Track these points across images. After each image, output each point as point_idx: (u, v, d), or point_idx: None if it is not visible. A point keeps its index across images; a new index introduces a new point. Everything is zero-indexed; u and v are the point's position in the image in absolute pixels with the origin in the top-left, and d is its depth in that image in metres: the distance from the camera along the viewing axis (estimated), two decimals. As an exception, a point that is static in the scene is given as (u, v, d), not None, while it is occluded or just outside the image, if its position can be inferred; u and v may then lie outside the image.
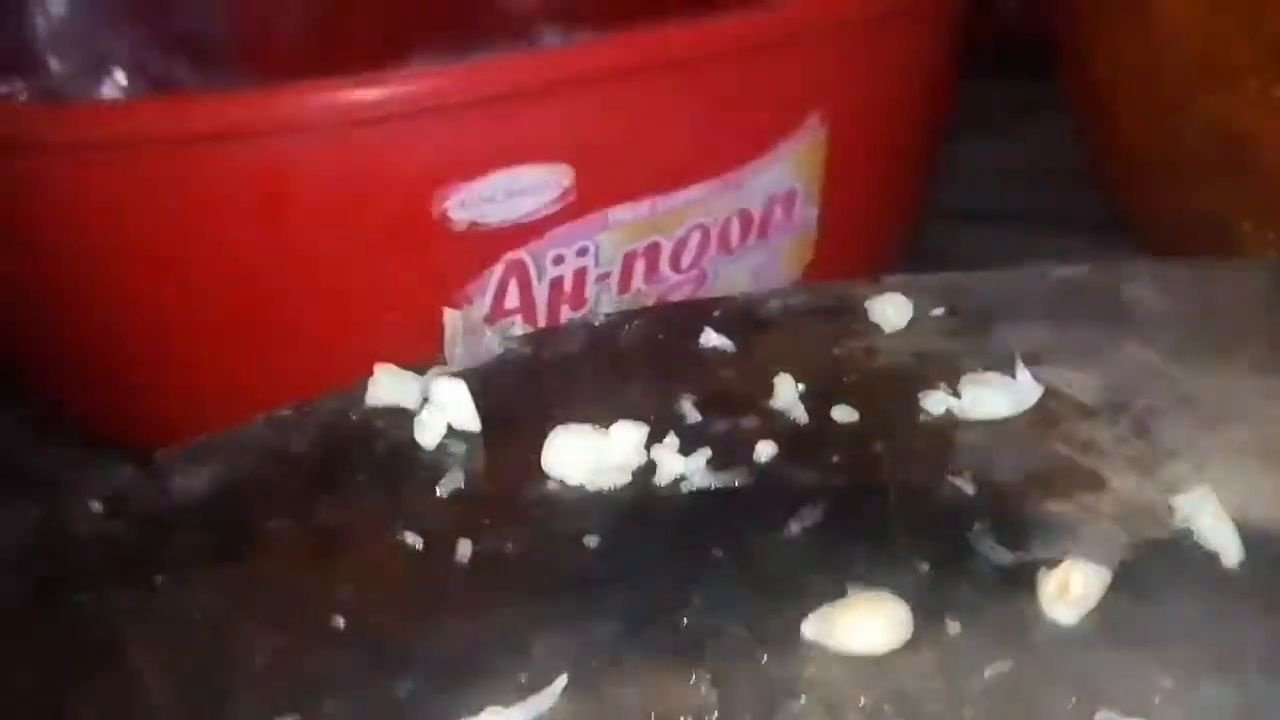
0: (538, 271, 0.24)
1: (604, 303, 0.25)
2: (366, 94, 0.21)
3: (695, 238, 0.25)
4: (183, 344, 0.23)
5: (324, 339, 0.23)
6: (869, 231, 0.28)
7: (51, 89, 0.27)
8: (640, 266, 0.25)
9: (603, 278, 0.25)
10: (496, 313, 0.24)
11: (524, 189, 0.23)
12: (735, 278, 0.26)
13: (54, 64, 0.28)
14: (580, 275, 0.25)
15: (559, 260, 0.24)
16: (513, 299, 0.24)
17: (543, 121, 0.23)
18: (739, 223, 0.26)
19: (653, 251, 0.25)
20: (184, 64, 0.28)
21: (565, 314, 0.25)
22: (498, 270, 0.24)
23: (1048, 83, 0.33)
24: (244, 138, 0.21)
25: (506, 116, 0.22)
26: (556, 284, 0.24)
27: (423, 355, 0.22)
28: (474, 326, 0.19)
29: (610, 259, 0.25)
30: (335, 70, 0.22)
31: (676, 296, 0.26)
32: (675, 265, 0.25)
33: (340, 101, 0.21)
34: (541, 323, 0.25)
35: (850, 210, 0.27)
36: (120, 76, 0.28)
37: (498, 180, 0.23)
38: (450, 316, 0.19)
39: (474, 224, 0.23)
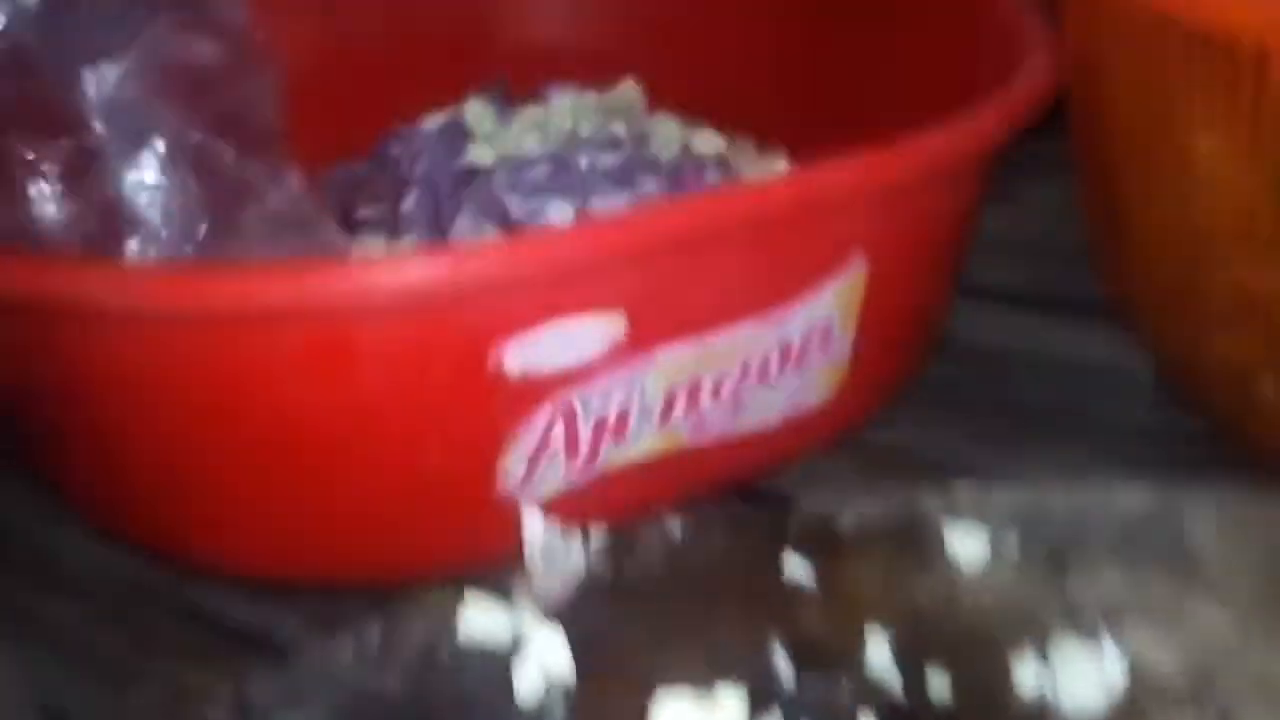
0: (585, 411, 0.24)
1: (644, 434, 0.25)
2: (432, 269, 0.20)
3: (736, 371, 0.25)
4: (237, 486, 0.23)
5: (376, 481, 0.23)
6: (900, 349, 0.29)
7: (93, 149, 0.26)
8: (682, 400, 0.25)
9: (645, 412, 0.25)
10: (542, 450, 0.24)
11: (577, 339, 0.23)
12: (769, 403, 0.27)
13: (98, 127, 0.26)
14: (624, 411, 0.24)
15: (605, 399, 0.24)
16: (558, 437, 0.24)
17: (598, 280, 0.22)
18: (778, 355, 0.26)
19: (695, 386, 0.25)
20: (227, 141, 0.27)
21: (607, 446, 0.25)
22: (546, 411, 0.23)
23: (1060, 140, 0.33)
24: (311, 311, 0.20)
25: (563, 279, 0.22)
26: (601, 421, 0.24)
27: (471, 494, 0.22)
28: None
29: (654, 395, 0.25)
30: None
31: (713, 426, 0.26)
32: (715, 396, 0.25)
33: (408, 277, 0.20)
34: (584, 457, 0.25)
35: (883, 333, 0.27)
36: (160, 145, 0.27)
37: (552, 333, 0.22)
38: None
39: (528, 373, 0.23)
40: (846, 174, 0.23)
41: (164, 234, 0.28)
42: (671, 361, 0.24)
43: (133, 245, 0.28)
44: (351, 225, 0.39)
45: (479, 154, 0.35)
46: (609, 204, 0.32)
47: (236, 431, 0.22)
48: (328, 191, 0.42)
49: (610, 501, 0.26)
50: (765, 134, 0.41)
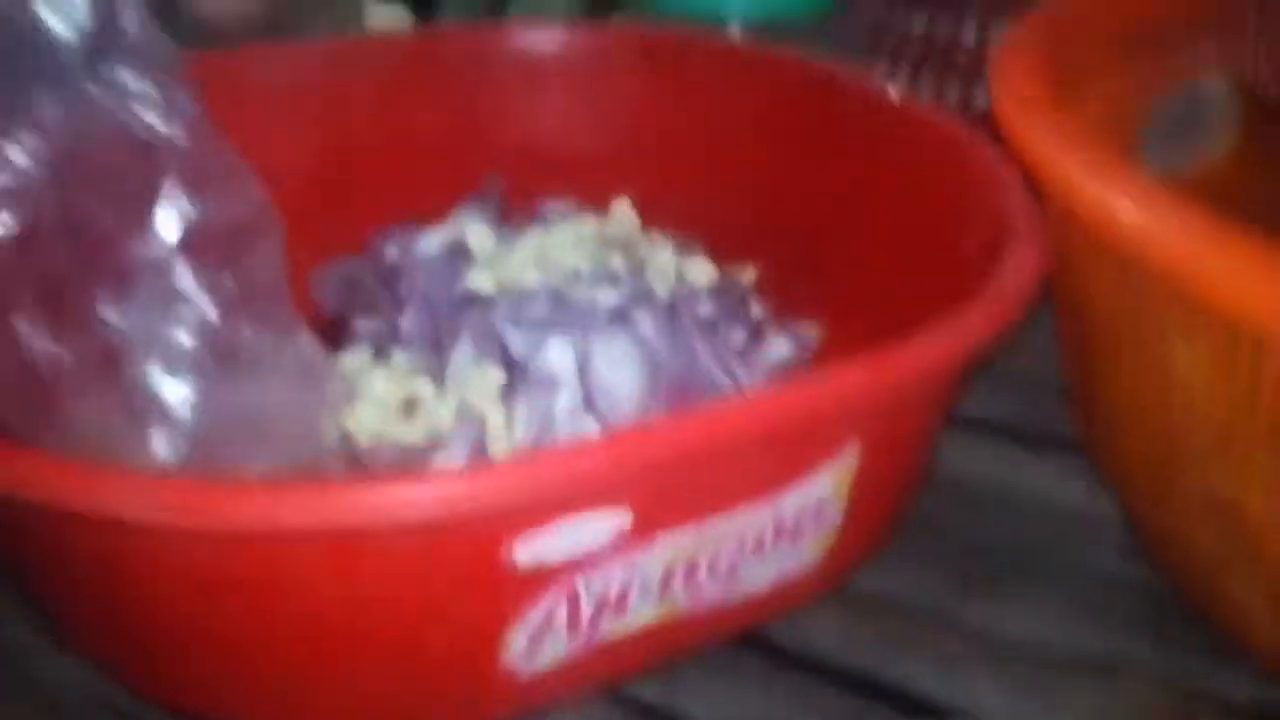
0: (587, 592, 0.25)
1: (643, 608, 0.26)
2: (449, 490, 0.21)
3: (732, 548, 0.26)
4: (253, 662, 0.23)
5: (384, 660, 0.24)
6: (890, 509, 0.30)
7: (118, 346, 0.27)
8: (680, 575, 0.26)
9: (645, 588, 0.26)
10: (545, 628, 0.25)
11: (584, 532, 0.24)
12: (762, 571, 0.28)
13: (123, 325, 0.27)
14: (625, 590, 0.25)
15: (607, 580, 0.25)
16: (561, 616, 0.25)
17: (610, 483, 0.23)
18: (773, 531, 0.27)
19: (693, 563, 0.26)
20: (243, 312, 0.28)
21: (607, 620, 0.26)
22: (552, 595, 0.24)
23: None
24: (331, 531, 0.20)
25: (575, 488, 0.22)
26: (603, 599, 0.25)
27: (473, 667, 0.22)
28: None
29: (654, 573, 0.25)
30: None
31: (708, 595, 0.27)
32: (711, 570, 0.26)
33: (424, 498, 0.21)
34: (584, 632, 0.25)
35: (874, 500, 0.28)
36: (184, 337, 0.28)
37: (562, 528, 0.23)
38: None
39: (536, 564, 0.23)
40: (849, 382, 0.24)
41: (187, 423, 0.28)
42: (672, 545, 0.25)
43: (158, 438, 0.28)
44: (346, 331, 0.40)
45: (478, 280, 0.36)
46: (607, 344, 0.33)
47: (255, 619, 0.22)
48: (324, 288, 0.42)
49: (605, 664, 0.27)
50: (748, 246, 0.43)
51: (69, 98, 0.29)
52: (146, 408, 0.28)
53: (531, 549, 0.23)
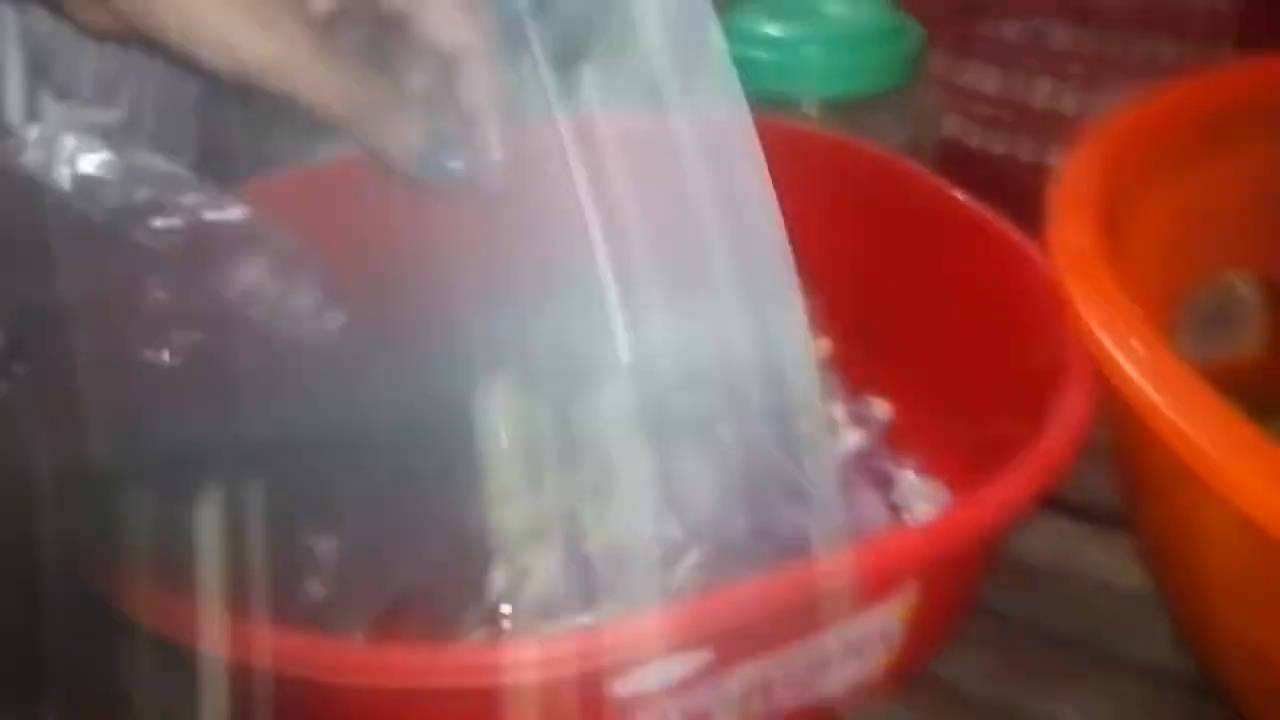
0: (676, 711, 0.28)
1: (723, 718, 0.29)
2: (564, 651, 0.24)
3: (802, 668, 0.29)
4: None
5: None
6: (951, 621, 0.32)
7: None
8: (758, 693, 0.29)
9: (726, 705, 0.29)
10: (637, 744, 0.28)
11: (672, 669, 0.27)
12: (832, 682, 0.30)
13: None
14: (707, 709, 0.29)
15: (692, 703, 0.28)
16: (653, 733, 0.28)
17: (694, 638, 0.26)
18: (840, 652, 0.30)
19: (768, 683, 0.29)
20: None
21: (692, 734, 0.29)
22: (644, 715, 0.28)
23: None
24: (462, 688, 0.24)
25: (665, 643, 0.26)
26: (689, 715, 0.28)
27: None
28: None
29: (733, 693, 0.29)
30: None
31: (782, 703, 0.30)
32: (785, 686, 0.29)
33: (545, 657, 0.24)
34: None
35: (932, 623, 0.31)
36: None
37: (654, 667, 0.26)
38: None
39: (632, 695, 0.27)
40: (907, 547, 0.26)
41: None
42: (748, 672, 0.28)
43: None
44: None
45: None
46: (688, 451, 0.36)
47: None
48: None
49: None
50: (822, 324, 0.45)
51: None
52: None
53: (628, 684, 0.26)
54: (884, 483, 0.39)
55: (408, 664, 0.24)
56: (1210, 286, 0.28)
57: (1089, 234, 0.29)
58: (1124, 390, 0.25)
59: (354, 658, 0.24)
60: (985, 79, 0.55)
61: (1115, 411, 0.29)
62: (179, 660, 0.26)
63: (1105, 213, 0.30)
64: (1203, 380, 0.24)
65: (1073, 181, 0.31)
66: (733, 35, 0.49)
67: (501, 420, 0.40)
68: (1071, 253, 0.29)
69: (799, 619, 0.28)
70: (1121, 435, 0.29)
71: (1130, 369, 0.25)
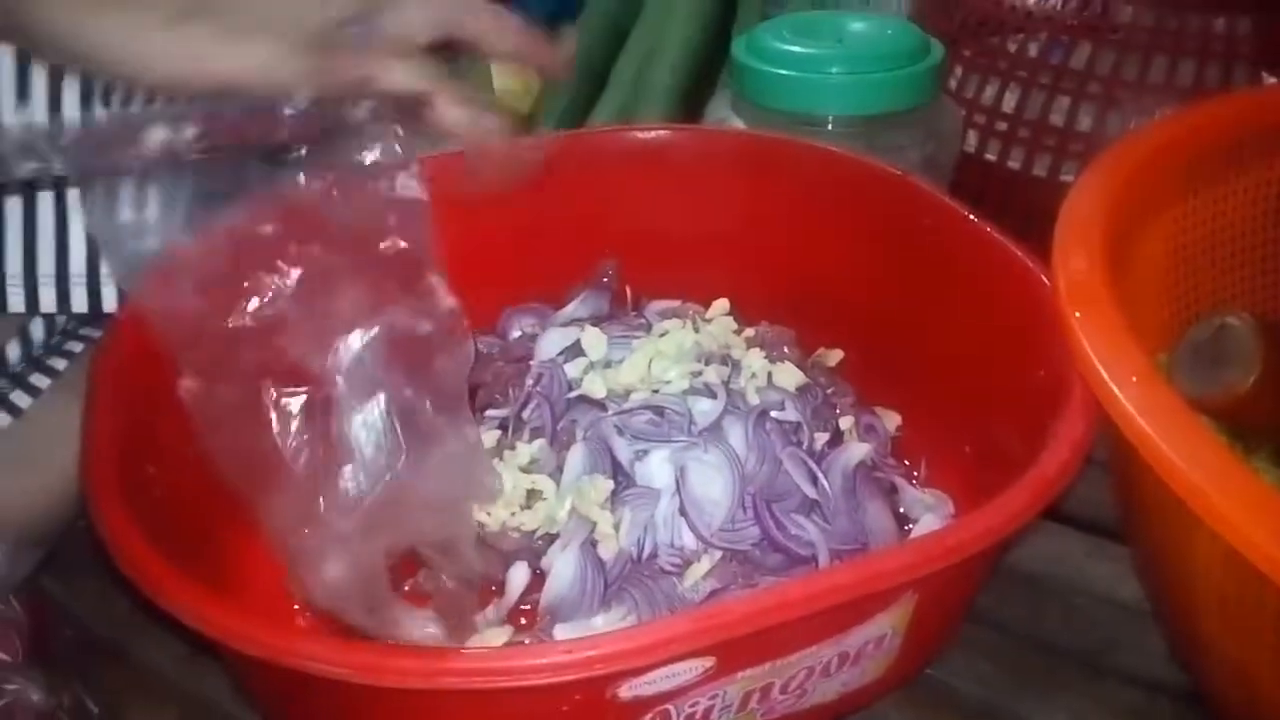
0: (678, 714, 0.28)
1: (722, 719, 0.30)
2: (570, 658, 0.24)
3: (801, 675, 0.29)
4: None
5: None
6: (947, 629, 0.32)
7: (331, 398, 0.32)
8: (756, 696, 0.29)
9: (725, 708, 0.29)
10: (643, 742, 0.29)
11: (676, 675, 0.27)
12: (829, 688, 0.31)
13: (340, 382, 0.32)
14: (709, 710, 0.29)
15: (694, 705, 0.28)
16: (655, 730, 0.29)
17: (696, 648, 0.26)
18: (838, 659, 0.30)
19: (768, 688, 0.29)
20: (428, 398, 0.33)
21: (694, 733, 0.29)
22: (648, 716, 0.28)
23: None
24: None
25: (668, 652, 0.26)
26: (690, 717, 0.29)
27: None
28: None
29: (733, 697, 0.29)
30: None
31: (781, 707, 0.30)
32: (783, 691, 0.30)
33: (553, 664, 0.24)
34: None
35: (931, 627, 0.31)
36: (382, 401, 0.33)
37: (658, 673, 0.27)
38: None
39: (636, 697, 0.27)
40: (905, 563, 0.26)
41: (373, 465, 0.33)
42: (749, 677, 0.28)
43: (347, 471, 0.33)
44: (475, 400, 0.44)
45: (591, 385, 0.40)
46: (701, 457, 0.37)
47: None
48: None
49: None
50: (835, 334, 0.45)
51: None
52: (343, 453, 0.33)
53: (632, 689, 0.27)
54: (890, 492, 0.39)
55: (423, 667, 0.24)
56: (1206, 323, 0.28)
57: (1092, 264, 0.29)
58: (1119, 421, 0.25)
59: (374, 660, 0.25)
60: (1004, 96, 0.54)
61: (1112, 436, 0.29)
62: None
63: (1110, 242, 0.30)
64: (1194, 414, 0.24)
65: (1079, 211, 0.31)
66: (758, 53, 0.50)
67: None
68: (1074, 283, 0.28)
69: (799, 630, 0.28)
70: (1117, 460, 0.29)
71: (1125, 401, 0.25)
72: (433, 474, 0.34)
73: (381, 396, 0.33)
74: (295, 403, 0.33)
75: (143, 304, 0.32)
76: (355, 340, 0.33)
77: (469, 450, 0.35)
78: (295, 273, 0.33)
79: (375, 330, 0.33)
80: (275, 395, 0.32)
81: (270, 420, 0.32)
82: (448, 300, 0.34)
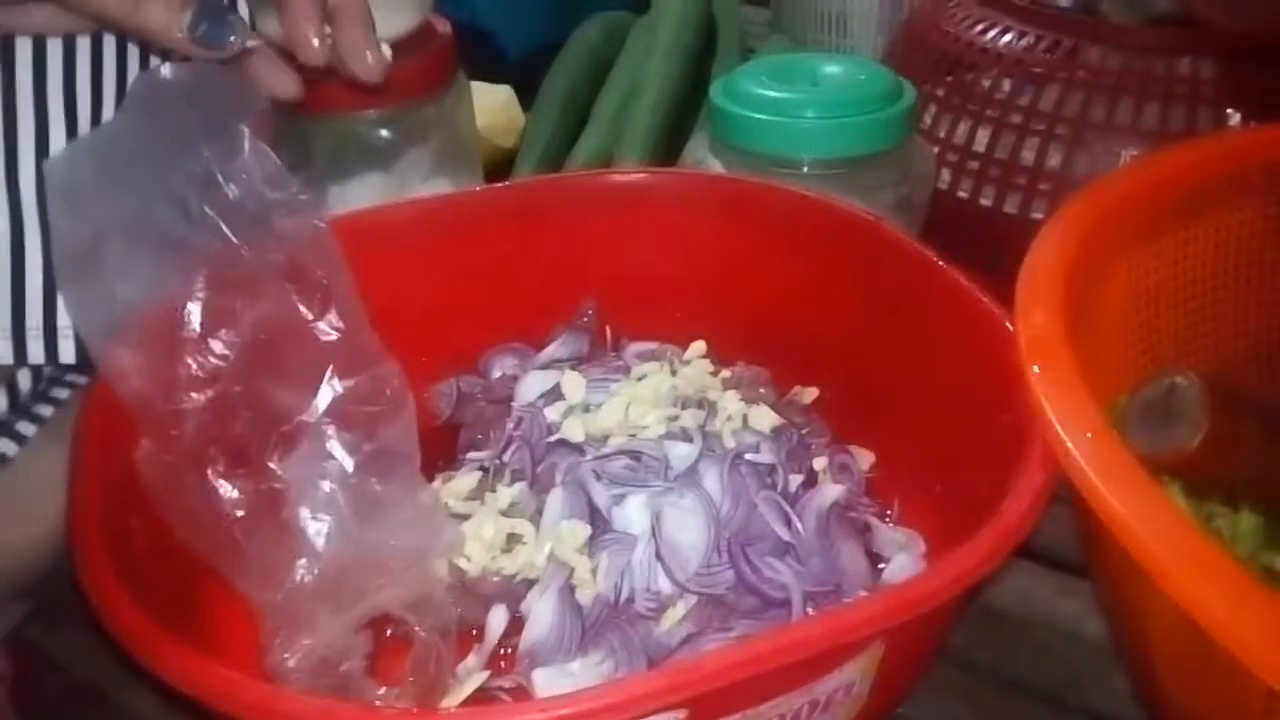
0: (651, 762, 0.29)
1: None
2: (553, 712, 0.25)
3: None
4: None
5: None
6: (914, 674, 0.33)
7: (278, 490, 0.33)
8: (729, 744, 0.30)
9: (699, 757, 0.30)
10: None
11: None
12: (800, 733, 0.31)
13: (283, 475, 0.33)
14: (682, 758, 0.29)
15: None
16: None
17: (669, 702, 0.27)
18: (808, 707, 0.30)
19: (741, 736, 0.30)
20: (377, 468, 0.34)
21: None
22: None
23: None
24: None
25: (643, 707, 0.26)
26: (666, 767, 0.29)
27: None
28: None
29: (706, 745, 0.29)
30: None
31: (754, 756, 0.31)
32: (756, 738, 0.30)
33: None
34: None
35: (895, 673, 0.32)
36: (327, 486, 0.33)
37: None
38: None
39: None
40: (872, 614, 0.27)
41: (327, 549, 0.33)
42: (722, 726, 0.29)
43: (301, 563, 0.33)
44: (457, 438, 0.45)
45: (569, 429, 0.40)
46: (676, 502, 0.37)
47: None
48: (440, 400, 0.47)
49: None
50: (810, 373, 0.46)
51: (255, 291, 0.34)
52: (296, 540, 0.34)
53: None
54: (864, 531, 0.40)
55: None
56: (1157, 383, 0.29)
57: (1052, 318, 0.30)
58: (1073, 477, 0.26)
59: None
60: (976, 135, 0.55)
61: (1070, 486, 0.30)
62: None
63: (1072, 291, 0.31)
64: (1147, 474, 0.24)
65: (1041, 263, 0.32)
66: (733, 97, 0.51)
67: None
68: (1033, 337, 0.29)
69: (770, 682, 0.28)
70: (1076, 509, 0.30)
71: (1081, 460, 0.25)
72: (390, 541, 0.34)
73: (327, 483, 0.34)
74: (242, 488, 0.33)
75: (101, 363, 0.33)
76: (297, 427, 0.34)
77: (424, 513, 0.35)
78: (232, 346, 0.33)
79: (318, 412, 0.34)
80: (222, 477, 0.33)
81: (218, 502, 0.33)
82: (386, 364, 0.35)
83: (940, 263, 0.40)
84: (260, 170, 0.33)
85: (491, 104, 0.70)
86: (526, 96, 0.72)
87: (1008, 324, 0.36)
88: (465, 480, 0.42)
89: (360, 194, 0.52)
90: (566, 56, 0.75)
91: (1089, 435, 0.26)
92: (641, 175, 0.49)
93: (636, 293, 0.48)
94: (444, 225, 0.47)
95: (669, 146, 0.64)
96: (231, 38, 0.31)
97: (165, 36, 0.31)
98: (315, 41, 0.33)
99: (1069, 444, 0.26)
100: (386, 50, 0.36)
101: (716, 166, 0.51)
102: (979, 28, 0.57)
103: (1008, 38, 0.56)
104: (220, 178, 0.33)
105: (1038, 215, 0.53)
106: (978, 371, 0.38)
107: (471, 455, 0.43)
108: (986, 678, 0.37)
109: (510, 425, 0.42)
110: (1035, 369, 0.28)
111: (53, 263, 0.34)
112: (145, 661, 0.27)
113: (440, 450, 0.44)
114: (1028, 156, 0.54)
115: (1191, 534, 0.23)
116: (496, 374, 0.47)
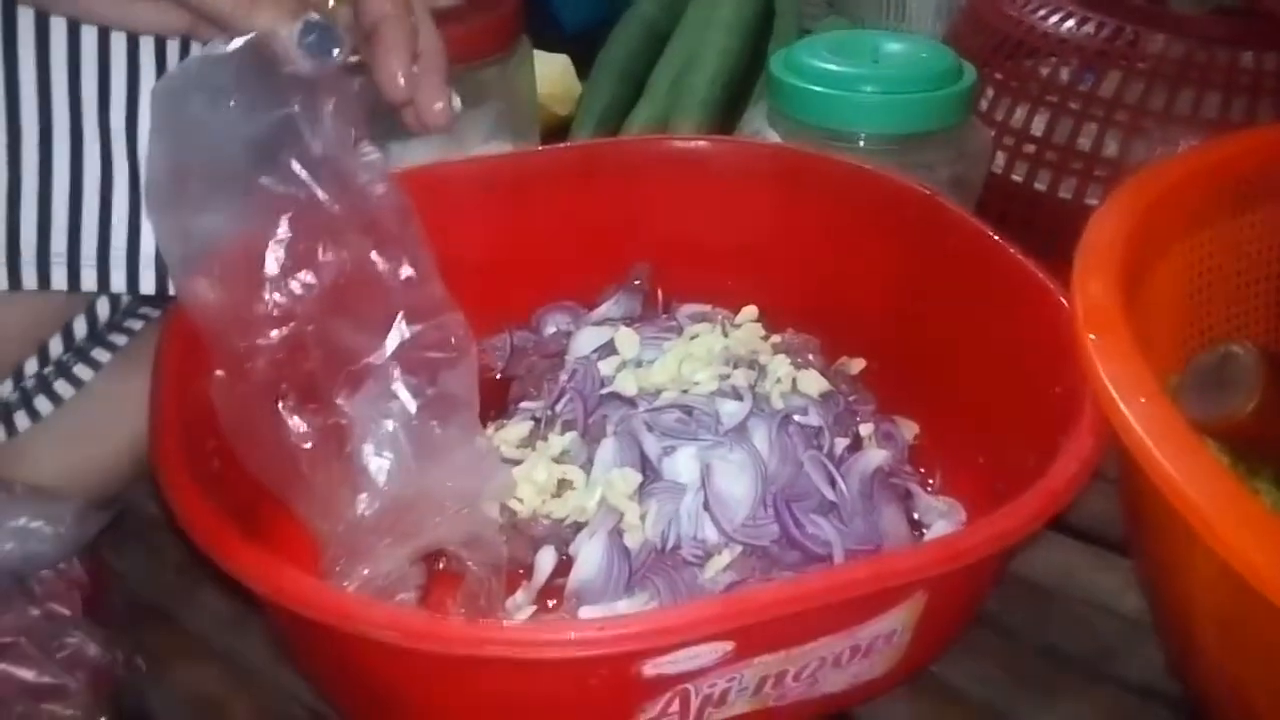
0: (696, 693, 0.30)
1: (740, 703, 0.31)
2: (592, 635, 0.26)
3: (814, 664, 0.31)
4: None
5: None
6: (954, 628, 0.34)
7: (343, 425, 0.34)
8: (771, 681, 0.31)
9: (741, 690, 0.31)
10: (662, 714, 0.30)
11: (697, 657, 0.29)
12: (840, 678, 0.32)
13: (350, 411, 0.34)
14: (726, 691, 0.31)
15: (713, 686, 0.30)
16: (674, 709, 0.30)
17: (717, 633, 0.28)
18: (849, 651, 0.31)
19: (782, 674, 0.31)
20: (438, 412, 0.35)
21: (710, 712, 0.31)
22: (668, 696, 0.30)
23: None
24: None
25: (690, 635, 0.28)
26: (708, 697, 0.31)
27: None
28: None
29: (750, 681, 0.31)
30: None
31: (794, 694, 0.32)
32: (796, 679, 0.31)
33: (580, 640, 0.26)
34: (693, 716, 0.31)
35: (940, 625, 0.33)
36: (390, 426, 0.34)
37: (680, 654, 0.29)
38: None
39: (659, 675, 0.29)
40: (917, 563, 0.28)
41: (387, 487, 0.35)
42: (765, 663, 0.30)
43: (362, 500, 0.35)
44: (510, 389, 0.46)
45: (623, 383, 0.41)
46: (726, 456, 0.38)
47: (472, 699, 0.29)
48: (495, 353, 0.48)
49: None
50: (859, 344, 0.47)
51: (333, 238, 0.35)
52: (359, 475, 0.35)
53: (655, 667, 0.29)
54: (905, 498, 0.41)
55: (470, 635, 0.26)
56: (1212, 351, 0.29)
57: (1109, 290, 0.31)
58: (1126, 439, 0.26)
59: (424, 626, 0.27)
60: (1033, 119, 0.56)
61: (1120, 453, 0.30)
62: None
63: (1128, 268, 0.31)
64: (1198, 436, 0.25)
65: (1100, 238, 0.33)
66: (793, 69, 0.51)
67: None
68: (1091, 307, 0.30)
69: (815, 621, 0.29)
70: (1124, 476, 0.31)
71: (1133, 421, 0.26)
72: (447, 481, 0.36)
73: (390, 423, 0.35)
74: (310, 422, 0.34)
75: (182, 292, 0.34)
76: (365, 369, 0.35)
77: (480, 456, 0.37)
78: (308, 288, 0.34)
79: (385, 355, 0.35)
80: (292, 411, 0.34)
81: (287, 434, 0.34)
82: (452, 314, 0.36)
83: (994, 236, 0.41)
84: (341, 129, 0.35)
85: (548, 72, 0.71)
86: (583, 68, 0.73)
87: (1061, 298, 0.37)
88: (517, 428, 0.43)
89: (421, 153, 0.54)
90: (623, 28, 0.76)
91: (1142, 400, 0.26)
92: (701, 142, 0.49)
93: (689, 258, 0.49)
94: (504, 183, 0.48)
95: (724, 119, 0.65)
96: (335, 51, 0.33)
97: (273, 41, 0.32)
98: (402, 80, 0.35)
99: (1122, 406, 0.26)
100: (457, 102, 0.37)
101: (774, 138, 0.52)
102: (1041, 12, 0.58)
103: (1070, 23, 0.56)
104: (306, 133, 0.35)
105: (1092, 201, 0.54)
106: (1030, 345, 0.39)
107: (524, 405, 0.44)
108: (1021, 643, 0.38)
109: (564, 377, 0.43)
110: (1092, 336, 0.29)
111: (142, 189, 0.35)
112: (226, 564, 0.28)
113: (493, 401, 0.46)
114: (1085, 143, 0.54)
115: (1240, 494, 0.24)
116: (550, 330, 0.49)
